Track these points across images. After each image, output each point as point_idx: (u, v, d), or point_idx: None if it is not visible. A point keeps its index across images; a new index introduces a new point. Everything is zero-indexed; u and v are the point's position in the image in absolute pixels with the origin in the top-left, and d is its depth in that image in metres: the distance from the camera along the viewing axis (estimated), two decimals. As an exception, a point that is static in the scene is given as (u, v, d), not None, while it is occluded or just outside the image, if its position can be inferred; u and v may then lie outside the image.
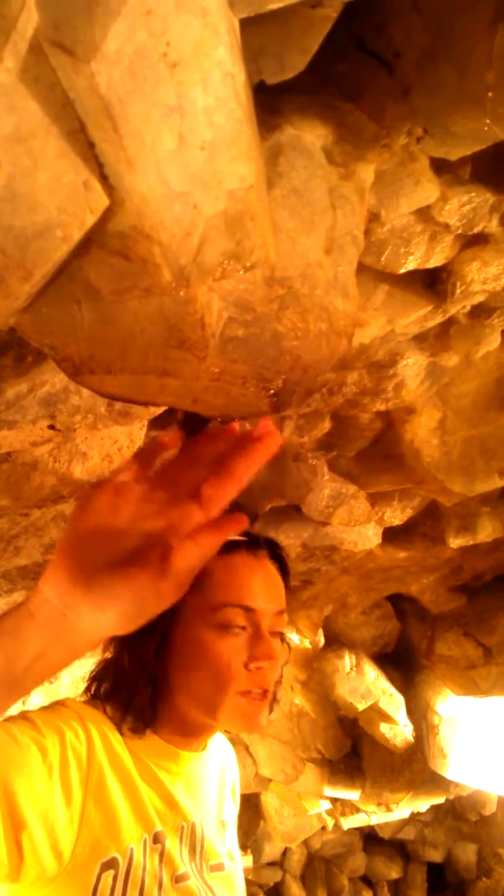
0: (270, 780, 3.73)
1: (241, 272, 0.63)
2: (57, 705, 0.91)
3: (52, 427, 1.19)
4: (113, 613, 0.56)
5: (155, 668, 0.97)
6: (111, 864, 0.84)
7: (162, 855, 0.90)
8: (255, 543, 1.04)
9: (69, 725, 0.87)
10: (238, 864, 1.07)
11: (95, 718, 0.92)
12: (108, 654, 1.02)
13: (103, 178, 0.53)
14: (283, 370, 0.85)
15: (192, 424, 1.43)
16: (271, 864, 5.07)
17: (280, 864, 5.14)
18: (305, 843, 5.06)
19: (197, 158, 0.54)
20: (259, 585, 0.99)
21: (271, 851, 4.92)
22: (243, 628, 0.96)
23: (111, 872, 0.83)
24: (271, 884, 5.11)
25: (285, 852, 5.12)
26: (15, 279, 0.53)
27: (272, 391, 0.85)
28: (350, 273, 0.93)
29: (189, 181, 0.55)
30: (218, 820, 1.08)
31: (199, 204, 0.56)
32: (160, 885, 0.87)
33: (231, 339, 0.79)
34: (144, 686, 0.96)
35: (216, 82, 0.54)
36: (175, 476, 0.62)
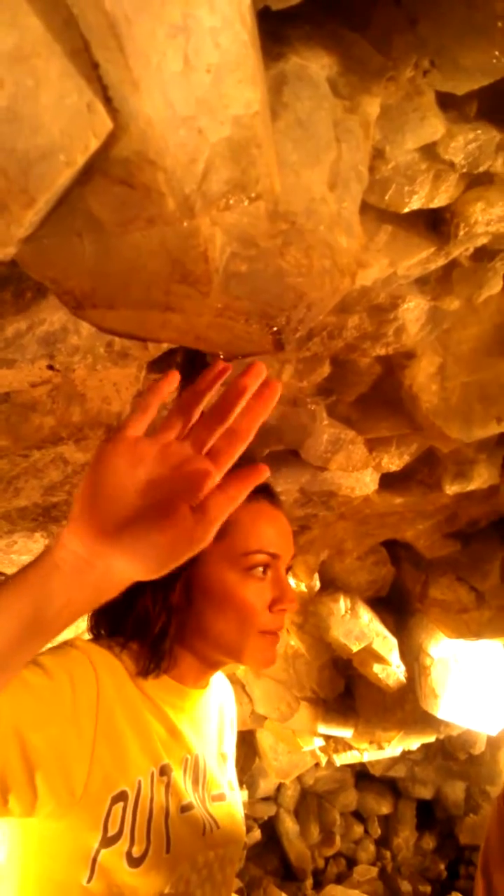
0: (266, 718, 3.81)
1: (246, 203, 0.63)
2: (65, 646, 0.93)
3: (50, 367, 1.19)
4: (146, 561, 0.58)
5: (178, 612, 0.99)
6: (121, 796, 0.87)
7: (168, 786, 0.93)
8: (271, 492, 1.08)
9: (78, 666, 0.89)
10: (237, 793, 1.12)
11: (104, 656, 0.94)
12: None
13: (107, 101, 0.51)
14: (286, 307, 0.84)
15: (191, 367, 1.42)
16: (266, 798, 5.22)
17: (274, 798, 5.30)
18: (299, 778, 5.20)
19: (202, 81, 0.53)
20: (280, 532, 1.04)
21: (266, 787, 5.06)
22: (265, 573, 1.00)
23: (121, 804, 0.87)
24: (266, 817, 5.27)
25: (279, 787, 5.26)
26: (18, 204, 0.52)
27: (275, 328, 0.84)
28: (354, 210, 0.92)
29: (194, 105, 0.54)
30: (218, 752, 1.12)
31: (204, 129, 0.55)
32: (167, 815, 0.91)
33: (234, 274, 0.79)
34: (172, 631, 0.98)
35: (222, 2, 0.52)
36: (180, 426, 0.66)
